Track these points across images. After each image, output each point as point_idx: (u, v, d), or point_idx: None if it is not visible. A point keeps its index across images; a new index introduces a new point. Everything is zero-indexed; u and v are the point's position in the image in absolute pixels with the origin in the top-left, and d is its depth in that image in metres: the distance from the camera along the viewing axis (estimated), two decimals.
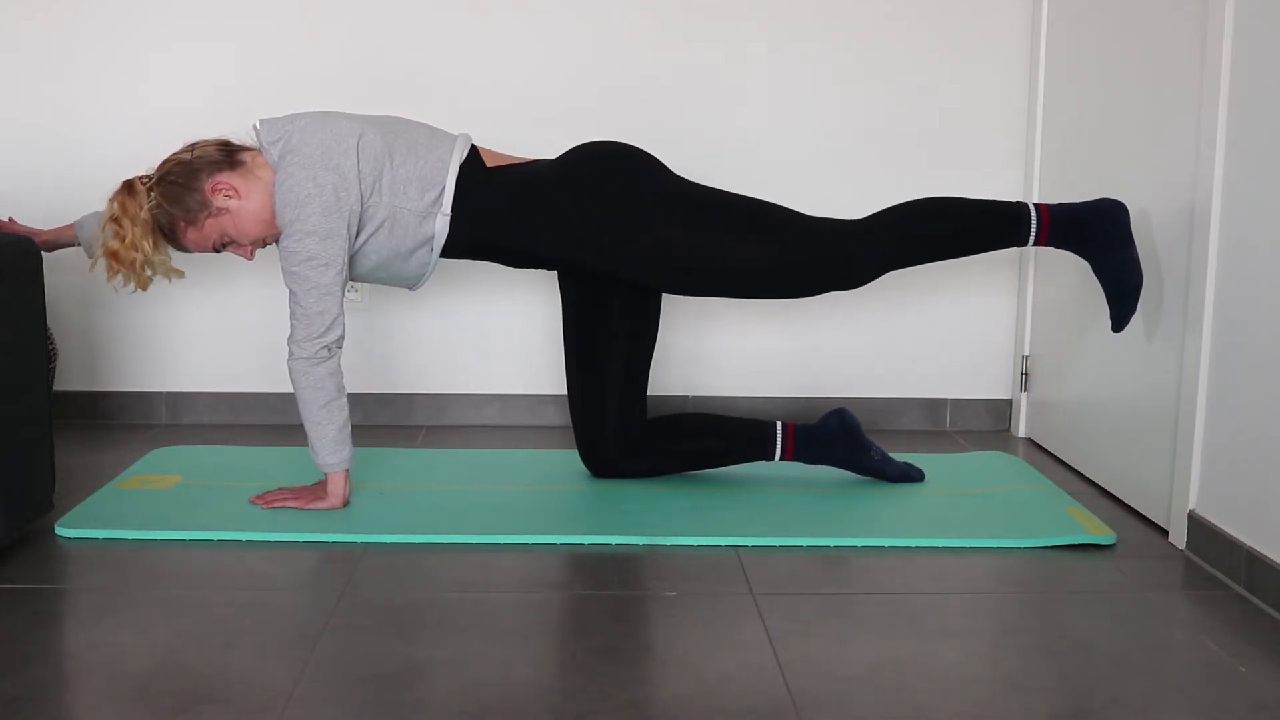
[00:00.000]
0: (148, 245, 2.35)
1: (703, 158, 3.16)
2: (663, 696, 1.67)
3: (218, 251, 2.43)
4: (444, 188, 2.39)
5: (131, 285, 2.38)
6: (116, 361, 3.23)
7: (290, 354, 2.35)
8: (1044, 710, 1.65)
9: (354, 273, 2.46)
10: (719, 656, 1.80)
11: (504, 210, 2.42)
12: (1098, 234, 2.42)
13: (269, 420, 3.23)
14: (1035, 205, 2.46)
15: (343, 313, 2.36)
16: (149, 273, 2.38)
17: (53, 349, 2.93)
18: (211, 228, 2.38)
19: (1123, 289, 2.41)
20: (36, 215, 3.13)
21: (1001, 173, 3.20)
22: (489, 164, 2.45)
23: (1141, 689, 1.72)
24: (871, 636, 1.88)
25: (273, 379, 3.21)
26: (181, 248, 2.43)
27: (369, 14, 3.11)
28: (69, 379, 3.21)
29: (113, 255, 2.35)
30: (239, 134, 2.48)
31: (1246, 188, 2.11)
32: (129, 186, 2.37)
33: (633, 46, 3.14)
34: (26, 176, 3.13)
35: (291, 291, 2.34)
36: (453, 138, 2.46)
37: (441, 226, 2.40)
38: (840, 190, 3.20)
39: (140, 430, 3.15)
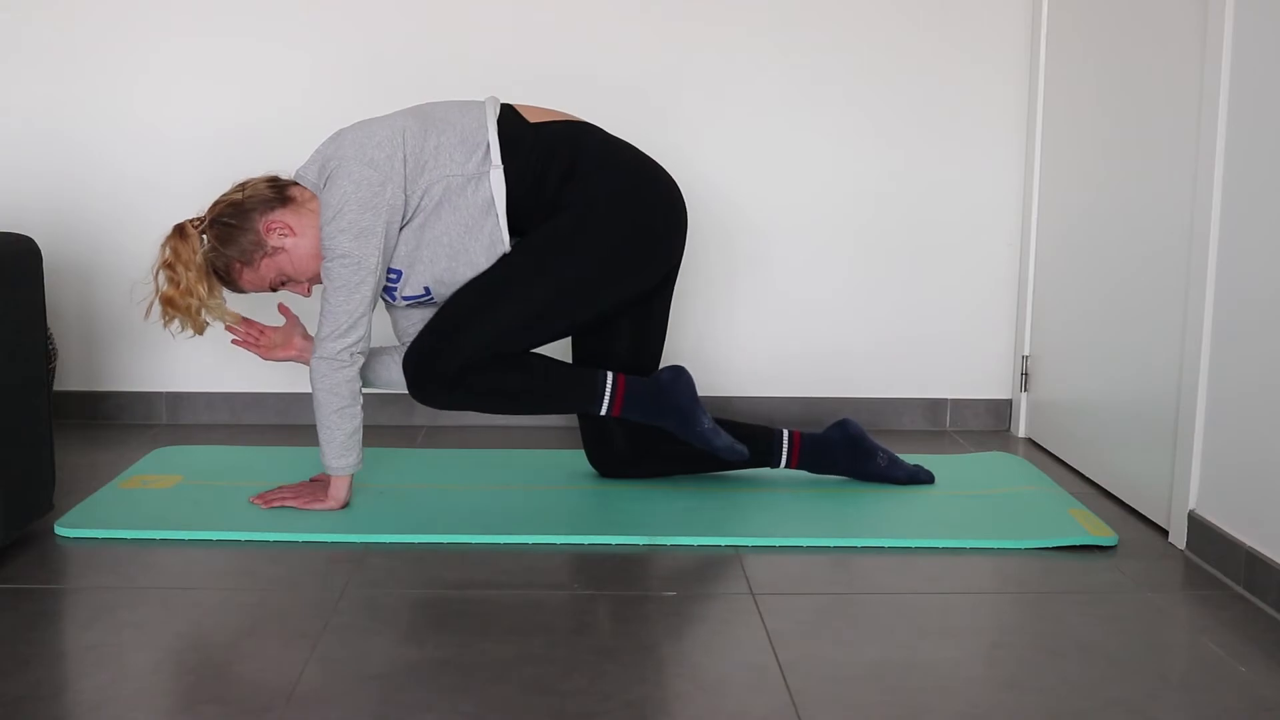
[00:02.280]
0: (203, 290, 2.34)
1: (702, 154, 3.17)
2: (663, 696, 1.67)
3: (274, 290, 2.43)
4: (488, 145, 2.36)
5: (188, 330, 2.38)
6: (116, 361, 3.23)
7: (314, 352, 2.34)
8: (1044, 710, 1.65)
9: (440, 279, 2.40)
10: (719, 656, 1.80)
11: (552, 159, 2.39)
12: (672, 406, 2.45)
13: (269, 420, 3.23)
14: (611, 375, 2.46)
15: (369, 315, 2.34)
16: (205, 317, 2.37)
17: (53, 349, 2.93)
18: (268, 268, 2.37)
19: (717, 447, 2.46)
20: (36, 214, 3.14)
21: (1002, 172, 3.20)
22: (531, 120, 2.43)
23: (1141, 689, 1.72)
24: (871, 636, 1.88)
25: (273, 379, 3.22)
26: (237, 289, 2.41)
27: (371, 12, 3.11)
28: (69, 379, 3.21)
29: (168, 302, 2.34)
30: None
31: (1246, 188, 2.11)
32: (180, 231, 2.36)
33: (638, 45, 3.14)
34: (26, 176, 3.13)
35: (324, 288, 2.34)
36: (480, 101, 2.45)
37: (498, 182, 2.35)
38: (839, 188, 3.21)
39: (140, 430, 3.15)
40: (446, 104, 2.45)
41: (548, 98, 3.10)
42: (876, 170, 3.20)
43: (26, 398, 2.20)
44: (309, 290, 2.44)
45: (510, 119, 2.41)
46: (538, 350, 2.53)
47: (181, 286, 2.33)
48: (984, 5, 3.15)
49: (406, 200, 2.33)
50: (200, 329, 2.40)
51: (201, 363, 3.22)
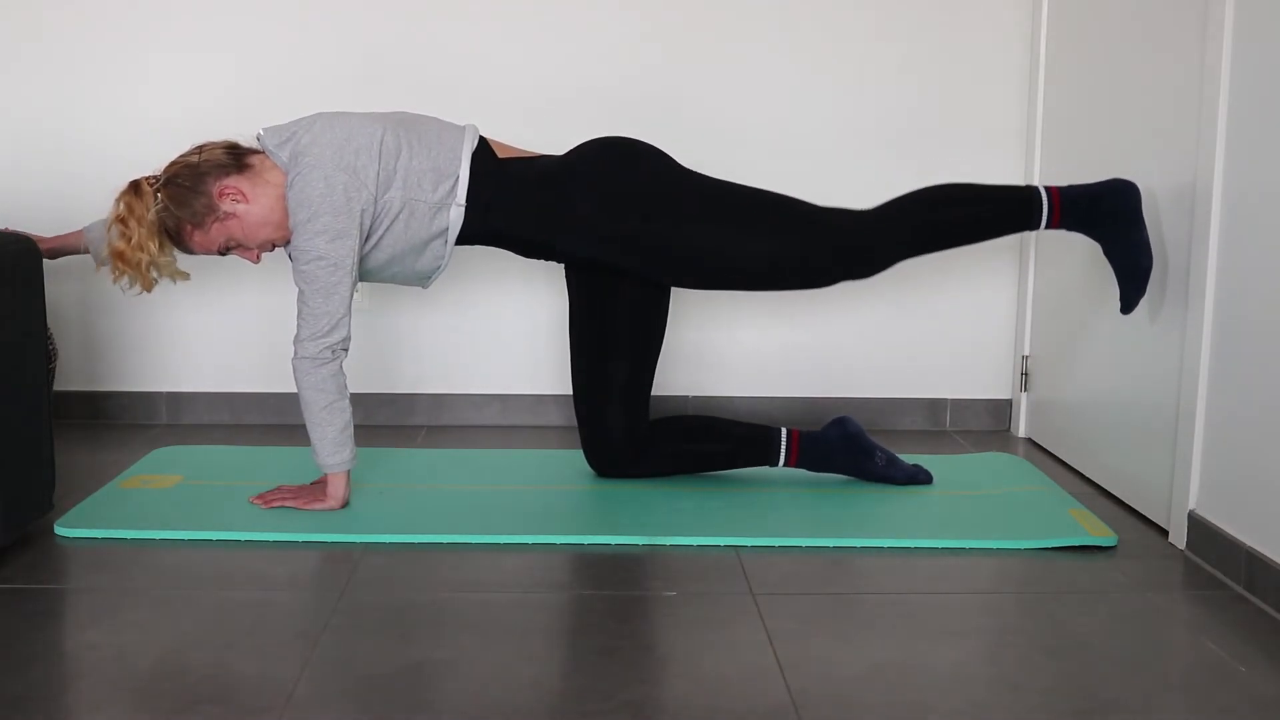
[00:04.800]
0: (153, 246, 2.34)
1: (703, 156, 3.17)
2: (663, 696, 1.67)
3: (222, 254, 2.43)
4: (458, 179, 2.38)
5: (136, 287, 2.38)
6: (116, 361, 3.23)
7: (295, 353, 2.34)
8: (1044, 710, 1.65)
9: (367, 270, 2.44)
10: (719, 656, 1.80)
11: (518, 202, 2.42)
12: (1107, 215, 2.42)
13: (269, 420, 3.23)
14: (1046, 189, 2.46)
15: (349, 314, 2.35)
16: (154, 274, 2.38)
17: (53, 349, 2.93)
18: (218, 231, 2.37)
19: (1133, 271, 2.41)
20: (36, 217, 3.14)
21: (1001, 165, 3.20)
22: (500, 155, 2.45)
23: (1141, 689, 1.72)
24: (871, 636, 1.88)
25: (273, 379, 3.22)
26: (187, 250, 2.42)
27: (368, 13, 3.11)
28: (69, 379, 3.21)
29: (118, 256, 2.35)
30: (241, 135, 2.48)
31: (1247, 184, 2.11)
32: (136, 187, 2.37)
33: (638, 44, 3.13)
34: (26, 177, 3.13)
35: (300, 290, 2.34)
36: (461, 128, 2.45)
37: (456, 217, 2.39)
38: (840, 185, 3.20)
39: (140, 430, 3.15)
40: (427, 121, 2.45)
41: (549, 102, 3.10)
42: (877, 171, 3.20)
43: (26, 398, 2.20)
44: (258, 257, 2.44)
45: (482, 154, 2.42)
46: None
47: (133, 242, 2.33)
48: (985, 5, 3.15)
49: (375, 205, 2.35)
50: (149, 286, 2.39)
51: (202, 363, 3.23)
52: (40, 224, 3.13)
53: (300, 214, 2.31)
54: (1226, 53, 2.17)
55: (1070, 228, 2.46)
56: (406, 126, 2.41)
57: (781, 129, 3.18)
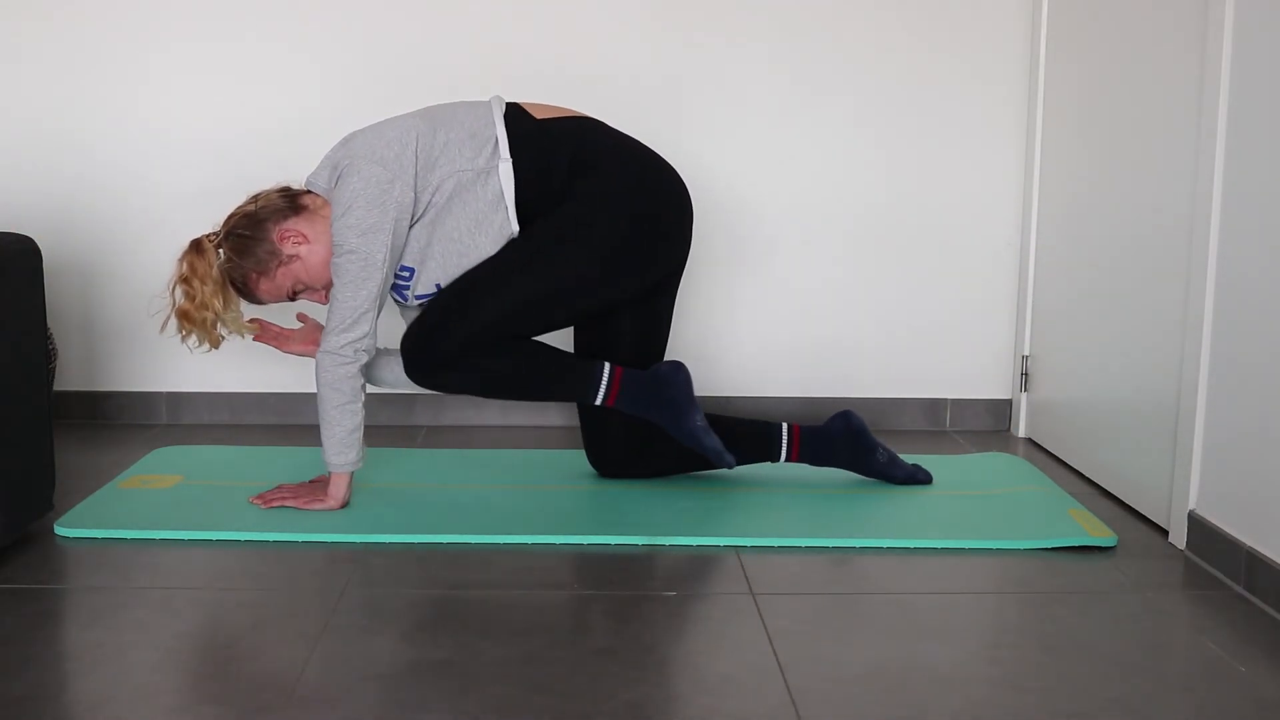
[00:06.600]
0: (218, 303, 2.37)
1: (706, 155, 3.17)
2: (663, 696, 1.67)
3: (292, 299, 2.44)
4: (495, 139, 2.39)
5: (205, 345, 2.41)
6: (116, 361, 3.23)
7: (320, 346, 2.36)
8: (1044, 710, 1.65)
9: (450, 274, 2.41)
10: (719, 656, 1.80)
11: (559, 154, 2.41)
12: (668, 402, 2.45)
13: (269, 420, 3.23)
14: (611, 366, 2.47)
15: (373, 311, 2.35)
16: (220, 331, 2.40)
17: (53, 349, 2.93)
18: (284, 276, 2.39)
19: (707, 450, 2.47)
20: (36, 217, 3.14)
21: (1002, 172, 3.20)
22: (538, 116, 2.45)
23: (1141, 689, 1.72)
24: (871, 636, 1.88)
25: (273, 379, 3.22)
26: (256, 300, 2.44)
27: (372, 14, 3.11)
28: (69, 379, 3.21)
29: (184, 316, 2.37)
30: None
31: (1246, 187, 2.11)
32: (197, 245, 2.39)
33: (644, 49, 3.14)
34: (27, 176, 3.13)
35: (332, 284, 2.36)
36: (485, 100, 2.48)
37: (506, 175, 2.37)
38: (840, 189, 3.21)
39: (140, 430, 3.15)
40: (453, 104, 2.48)
41: (554, 98, 3.10)
42: (878, 171, 3.20)
43: (26, 398, 2.20)
44: (326, 297, 2.45)
45: (517, 116, 2.44)
46: (539, 339, 2.54)
47: (197, 301, 2.36)
48: (985, 6, 3.15)
49: (417, 198, 2.36)
50: (216, 343, 2.42)
51: (201, 363, 3.22)
52: (40, 224, 3.14)
53: (337, 209, 2.33)
54: (1226, 53, 2.17)
55: (628, 409, 2.47)
56: (434, 112, 2.44)
57: (780, 127, 3.18)
